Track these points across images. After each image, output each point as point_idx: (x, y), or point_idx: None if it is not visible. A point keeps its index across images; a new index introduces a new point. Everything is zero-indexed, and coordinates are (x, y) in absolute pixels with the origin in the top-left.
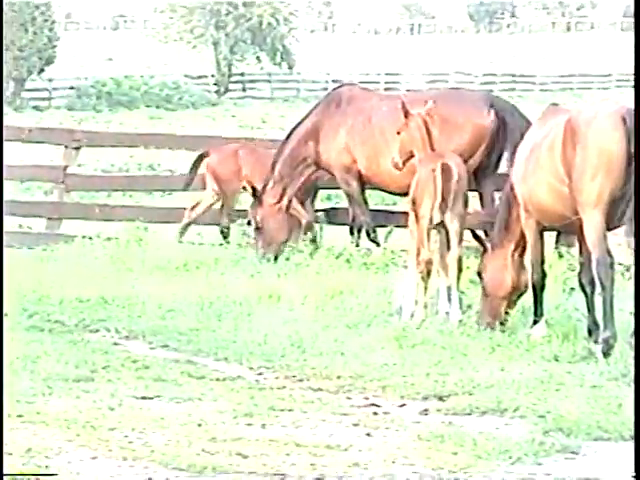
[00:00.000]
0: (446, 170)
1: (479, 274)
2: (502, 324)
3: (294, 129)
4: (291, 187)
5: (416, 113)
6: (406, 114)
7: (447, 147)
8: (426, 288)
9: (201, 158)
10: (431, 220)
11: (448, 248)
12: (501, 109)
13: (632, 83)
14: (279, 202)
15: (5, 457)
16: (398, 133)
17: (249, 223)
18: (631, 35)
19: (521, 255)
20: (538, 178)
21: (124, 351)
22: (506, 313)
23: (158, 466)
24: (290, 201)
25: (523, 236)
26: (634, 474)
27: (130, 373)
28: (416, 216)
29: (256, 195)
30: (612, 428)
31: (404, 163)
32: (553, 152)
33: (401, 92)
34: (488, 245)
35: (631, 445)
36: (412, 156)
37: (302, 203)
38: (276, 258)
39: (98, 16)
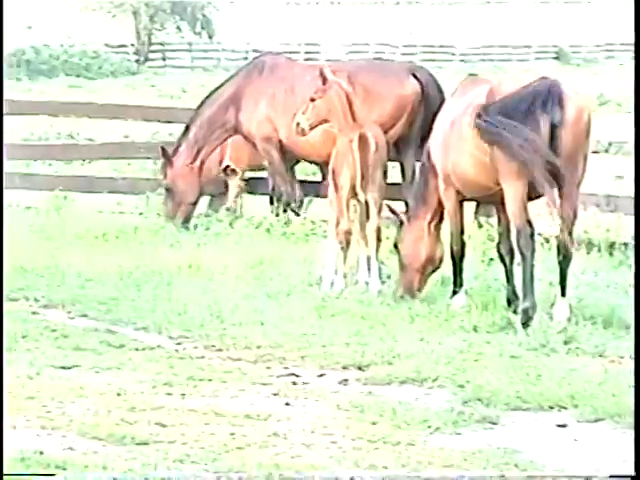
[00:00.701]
0: (364, 140)
1: (395, 246)
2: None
3: (212, 94)
4: (205, 150)
5: (334, 81)
6: (324, 81)
7: (369, 117)
8: (346, 258)
9: None
10: (350, 190)
11: (367, 218)
12: (424, 79)
13: (552, 55)
14: (192, 163)
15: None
16: (312, 100)
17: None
18: (550, 7)
19: (437, 226)
20: (461, 149)
21: (43, 320)
22: (418, 290)
23: (76, 436)
24: (203, 163)
25: (440, 207)
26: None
27: (49, 342)
28: (335, 186)
29: (166, 156)
30: (531, 398)
31: (311, 129)
32: None
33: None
34: (404, 218)
35: (550, 415)
36: (323, 122)
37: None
38: (186, 221)
39: None
